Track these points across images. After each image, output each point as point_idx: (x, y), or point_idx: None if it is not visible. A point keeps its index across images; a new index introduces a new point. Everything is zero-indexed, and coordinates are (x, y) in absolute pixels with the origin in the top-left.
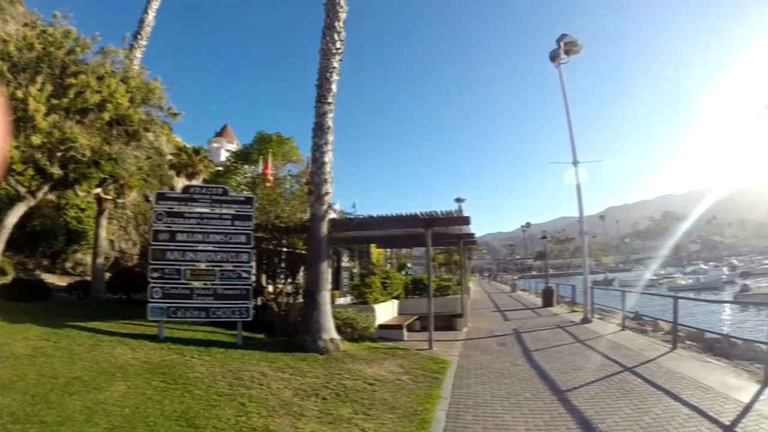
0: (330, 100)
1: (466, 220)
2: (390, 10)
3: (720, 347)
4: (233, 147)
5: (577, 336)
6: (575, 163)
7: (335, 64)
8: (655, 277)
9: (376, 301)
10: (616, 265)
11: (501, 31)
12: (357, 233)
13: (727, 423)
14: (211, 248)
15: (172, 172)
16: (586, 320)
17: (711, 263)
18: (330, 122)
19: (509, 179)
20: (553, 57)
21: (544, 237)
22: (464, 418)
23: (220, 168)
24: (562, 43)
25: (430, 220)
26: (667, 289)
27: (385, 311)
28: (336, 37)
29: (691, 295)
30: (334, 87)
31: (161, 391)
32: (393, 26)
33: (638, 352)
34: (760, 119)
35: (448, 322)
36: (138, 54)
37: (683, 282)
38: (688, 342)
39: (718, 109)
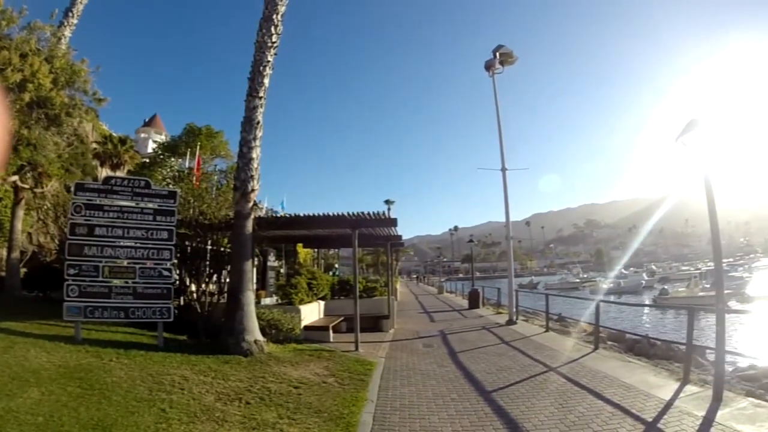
0: (261, 94)
1: (392, 222)
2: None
3: (640, 347)
4: (162, 138)
5: (502, 337)
6: (503, 170)
7: (269, 58)
8: (578, 281)
9: (302, 301)
10: (540, 269)
11: (436, 42)
12: (284, 232)
13: (650, 419)
14: (131, 244)
15: (95, 162)
16: (511, 322)
17: (631, 269)
18: (260, 117)
19: (439, 184)
20: (488, 66)
21: (471, 241)
22: (391, 421)
23: (147, 160)
24: (498, 54)
25: (358, 221)
26: (590, 292)
27: (311, 312)
28: (273, 30)
29: (612, 298)
30: (266, 81)
31: (77, 397)
32: (331, 23)
33: (562, 352)
34: (682, 138)
35: (374, 324)
36: (67, 32)
37: (604, 285)
38: (610, 342)
39: (645, 125)
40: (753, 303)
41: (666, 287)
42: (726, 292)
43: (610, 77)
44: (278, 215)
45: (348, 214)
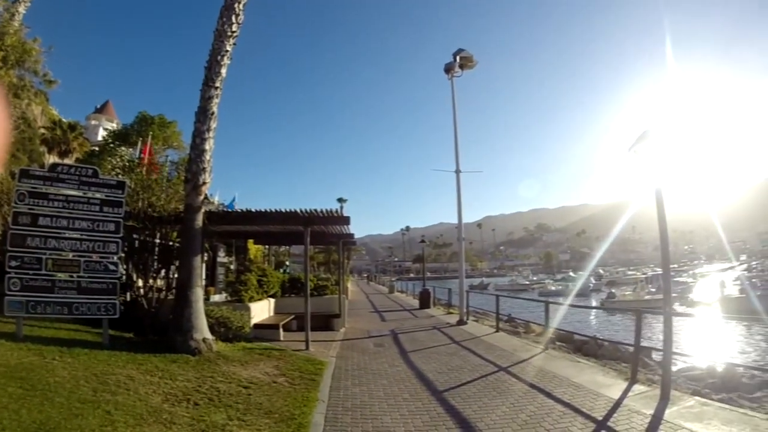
0: (218, 84)
1: (345, 220)
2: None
3: (588, 348)
4: (113, 126)
5: (453, 337)
6: (457, 171)
7: (228, 48)
8: (527, 283)
9: (252, 299)
10: (491, 270)
11: (392, 43)
12: (235, 228)
13: (600, 418)
14: (76, 236)
15: (43, 148)
16: (461, 322)
17: (579, 272)
18: (215, 108)
19: (392, 183)
20: (448, 69)
21: (423, 241)
22: (343, 421)
23: (96, 148)
24: (458, 57)
25: (310, 218)
26: (539, 294)
27: (261, 310)
28: (234, 19)
29: (560, 300)
30: (223, 71)
31: (18, 398)
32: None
33: (512, 352)
34: (635, 148)
35: (325, 323)
36: (22, 9)
37: (553, 288)
38: (559, 343)
39: (597, 133)
40: (696, 307)
41: (613, 291)
42: (671, 296)
43: (566, 89)
44: (230, 210)
45: (300, 210)
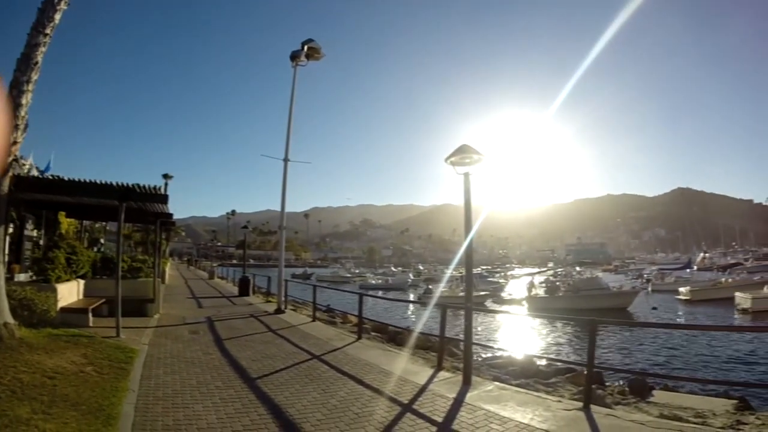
0: (48, 31)
1: (163, 198)
2: None
3: (402, 338)
4: None
5: (269, 325)
6: (286, 160)
7: None
8: (349, 275)
9: (60, 279)
10: (315, 261)
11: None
12: (46, 197)
13: (406, 401)
14: None
15: None
16: (279, 311)
17: (399, 268)
18: (39, 58)
19: (221, 165)
20: (294, 56)
21: (246, 227)
22: (153, 411)
23: None
24: (306, 47)
25: (126, 193)
26: (359, 286)
27: (70, 292)
28: None
29: (380, 293)
30: (57, 17)
31: None
32: None
33: (326, 341)
34: (451, 159)
35: (138, 308)
36: None
37: (373, 281)
38: (374, 333)
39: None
40: (506, 305)
41: (430, 287)
42: (485, 293)
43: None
44: (42, 177)
45: (116, 184)
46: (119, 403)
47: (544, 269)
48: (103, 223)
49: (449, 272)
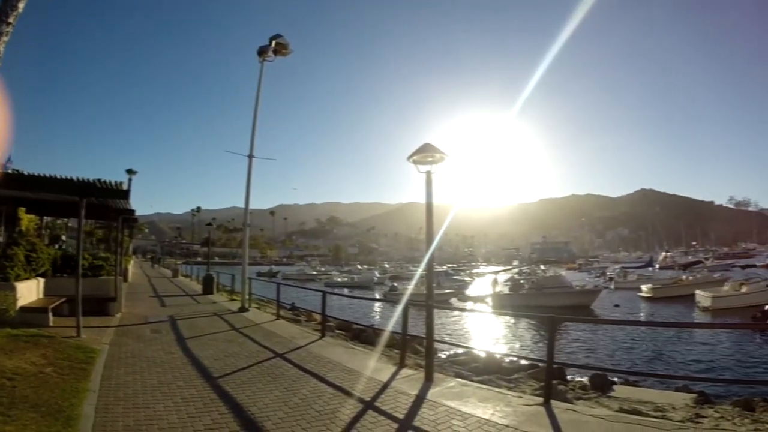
0: (11, 20)
1: (124, 194)
2: None
3: (366, 336)
4: None
5: (233, 324)
6: (251, 156)
7: None
8: (315, 273)
9: (19, 277)
10: (280, 258)
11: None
12: (6, 192)
13: (368, 399)
14: None
15: None
16: (243, 309)
17: (365, 266)
18: (2, 48)
19: (186, 160)
20: (261, 52)
21: (210, 224)
22: (114, 412)
23: None
24: (274, 42)
25: (86, 188)
26: (325, 284)
27: (29, 291)
28: None
29: (345, 291)
30: (21, 6)
31: None
32: None
33: (290, 339)
34: (414, 158)
35: (100, 307)
36: None
37: (339, 279)
38: (338, 331)
39: (397, 139)
40: (470, 302)
41: (396, 284)
42: (449, 291)
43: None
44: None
45: (76, 179)
46: (79, 404)
47: (509, 267)
48: (65, 219)
49: (419, 271)
